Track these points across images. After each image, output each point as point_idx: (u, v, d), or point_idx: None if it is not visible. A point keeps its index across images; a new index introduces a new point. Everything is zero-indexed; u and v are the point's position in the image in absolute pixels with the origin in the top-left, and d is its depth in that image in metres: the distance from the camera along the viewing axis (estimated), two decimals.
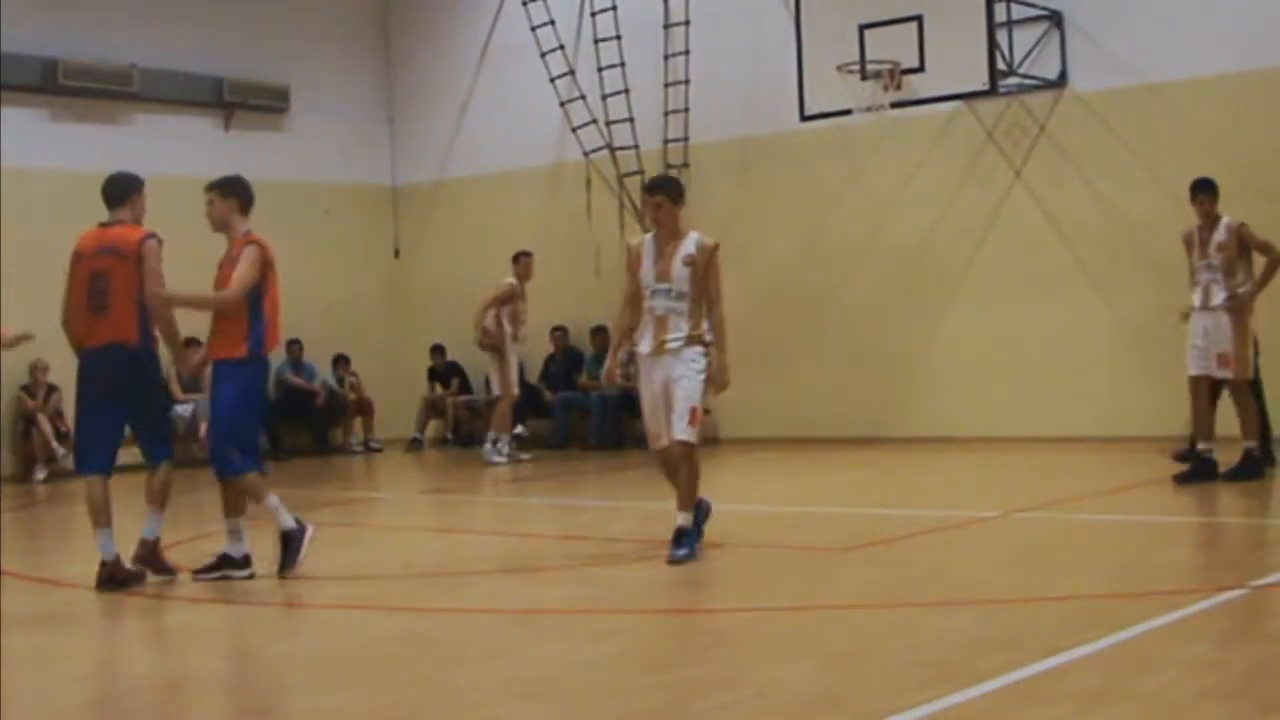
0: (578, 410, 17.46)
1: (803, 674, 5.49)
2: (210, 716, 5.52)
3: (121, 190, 8.43)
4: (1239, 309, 10.57)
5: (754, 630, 6.48)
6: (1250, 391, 10.74)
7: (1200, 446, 10.71)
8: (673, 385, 8.17)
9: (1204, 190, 10.80)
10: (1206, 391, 10.75)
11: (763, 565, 8.35)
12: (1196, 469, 10.65)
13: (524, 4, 17.73)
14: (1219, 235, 10.67)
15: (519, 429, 16.56)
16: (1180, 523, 9.50)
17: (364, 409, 18.52)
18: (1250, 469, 10.54)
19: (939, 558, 8.41)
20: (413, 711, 5.36)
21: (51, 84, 16.38)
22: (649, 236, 8.43)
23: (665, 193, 8.39)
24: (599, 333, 17.57)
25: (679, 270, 8.22)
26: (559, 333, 17.82)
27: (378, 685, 5.71)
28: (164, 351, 8.40)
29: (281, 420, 17.74)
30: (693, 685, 5.41)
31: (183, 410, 17.06)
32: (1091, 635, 5.77)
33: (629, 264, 8.44)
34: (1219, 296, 10.62)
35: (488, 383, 16.30)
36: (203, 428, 16.97)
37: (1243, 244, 10.62)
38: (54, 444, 15.94)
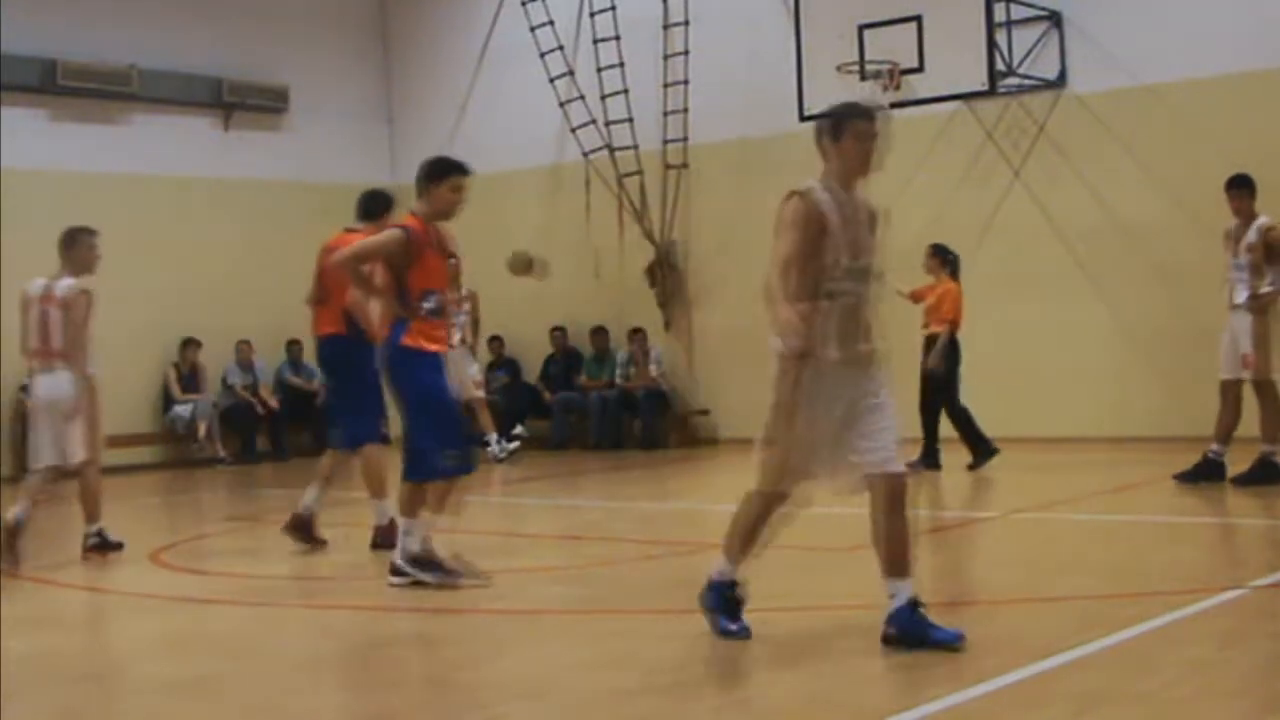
0: (577, 411, 17.47)
1: (803, 674, 5.49)
2: (210, 716, 5.52)
3: (372, 207, 9.25)
4: (1260, 309, 10.46)
5: (754, 630, 6.48)
6: (1273, 393, 10.57)
7: (1212, 447, 10.64)
8: (874, 406, 5.88)
9: (1234, 186, 10.63)
10: (1233, 396, 10.64)
11: (763, 565, 8.32)
12: (1199, 468, 10.62)
13: (523, 4, 17.73)
14: (1250, 235, 10.52)
15: (518, 429, 16.67)
16: (1181, 523, 9.50)
17: None
18: (1264, 474, 10.41)
19: (939, 558, 8.41)
20: (413, 711, 5.36)
21: (51, 84, 16.37)
22: (818, 185, 6.01)
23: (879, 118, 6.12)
24: (598, 333, 17.59)
25: (868, 241, 5.98)
26: (558, 333, 17.82)
27: (378, 685, 5.71)
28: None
29: (281, 420, 17.77)
30: (692, 685, 5.41)
31: (182, 410, 17.08)
32: (1091, 635, 5.77)
33: (807, 219, 5.85)
34: (1241, 295, 10.50)
35: None
36: (201, 428, 17.01)
37: (1269, 246, 10.43)
38: None
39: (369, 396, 8.99)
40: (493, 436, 15.64)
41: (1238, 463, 10.52)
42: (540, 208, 18.32)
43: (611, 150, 17.10)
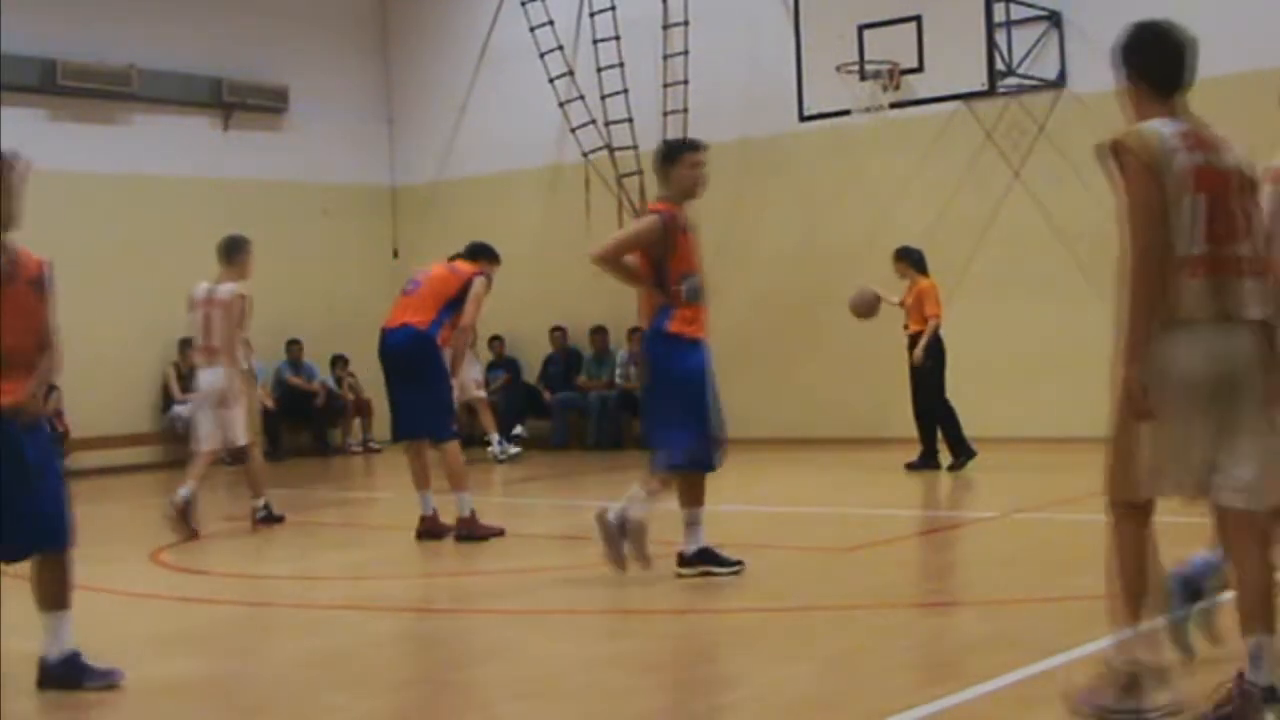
0: (576, 410, 17.47)
1: (803, 674, 5.49)
2: (210, 716, 5.52)
3: (475, 253, 10.15)
4: None
5: (754, 630, 6.48)
6: None
7: None
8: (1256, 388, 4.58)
9: None
10: None
11: (763, 565, 8.35)
12: None
13: (523, 4, 17.74)
14: None
15: (518, 429, 16.73)
16: (1180, 523, 9.47)
17: (362, 409, 18.52)
18: None
19: (939, 558, 8.41)
20: (413, 711, 5.36)
21: (50, 85, 16.37)
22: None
23: None
24: (597, 333, 17.58)
25: None
26: (558, 333, 17.82)
27: (378, 685, 5.71)
28: None
29: (281, 420, 17.78)
30: (693, 685, 5.41)
31: (181, 410, 17.06)
32: (1091, 635, 5.76)
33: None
34: None
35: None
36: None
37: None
38: None
39: (432, 392, 9.45)
40: (494, 437, 15.64)
41: None
42: (540, 208, 18.33)
43: (611, 150, 17.10)
